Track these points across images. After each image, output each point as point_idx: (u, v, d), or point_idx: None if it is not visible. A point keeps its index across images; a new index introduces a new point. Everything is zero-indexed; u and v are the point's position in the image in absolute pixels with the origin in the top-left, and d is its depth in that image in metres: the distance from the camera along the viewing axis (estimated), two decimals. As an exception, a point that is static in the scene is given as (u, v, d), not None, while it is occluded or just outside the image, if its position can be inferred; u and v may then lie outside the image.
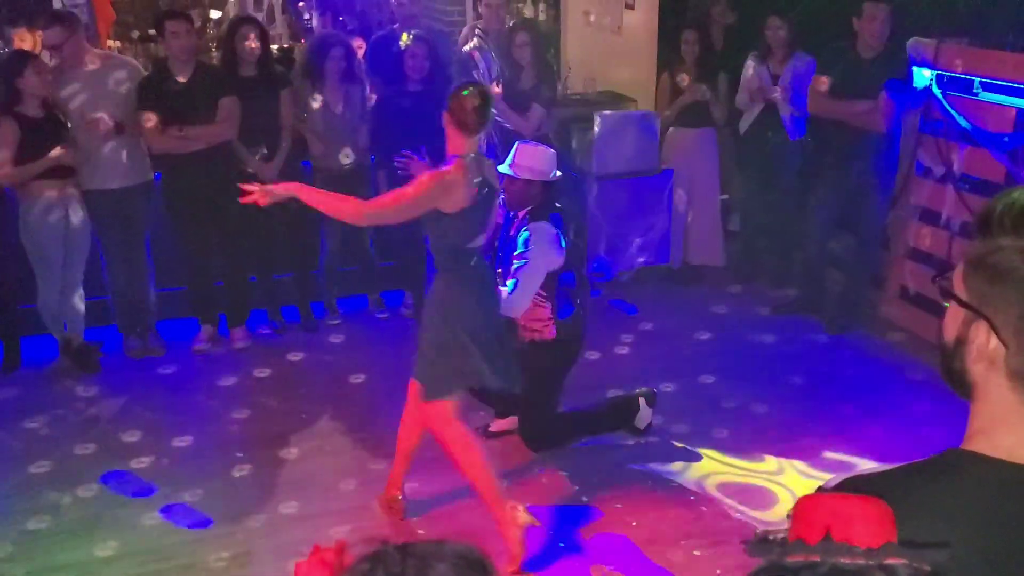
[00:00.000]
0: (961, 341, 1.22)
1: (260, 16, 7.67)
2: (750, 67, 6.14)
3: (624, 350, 5.57)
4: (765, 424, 4.77)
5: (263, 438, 4.69)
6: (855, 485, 1.23)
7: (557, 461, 4.46)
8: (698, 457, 4.48)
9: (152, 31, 6.79)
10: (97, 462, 4.48)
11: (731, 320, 5.96)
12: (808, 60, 5.89)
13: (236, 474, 4.38)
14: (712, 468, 4.40)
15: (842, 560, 0.91)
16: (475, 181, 3.59)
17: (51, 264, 5.10)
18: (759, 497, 4.17)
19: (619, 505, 4.10)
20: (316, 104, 5.55)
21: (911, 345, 5.45)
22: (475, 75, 5.95)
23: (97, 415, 4.92)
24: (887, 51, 5.41)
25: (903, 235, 5.71)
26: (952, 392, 1.29)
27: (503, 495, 3.72)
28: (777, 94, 5.94)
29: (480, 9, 6.57)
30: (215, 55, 6.66)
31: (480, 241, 3.75)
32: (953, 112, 5.25)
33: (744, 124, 6.28)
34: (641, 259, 6.47)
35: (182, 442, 4.65)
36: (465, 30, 6.59)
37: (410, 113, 5.40)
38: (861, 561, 0.90)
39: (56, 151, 4.90)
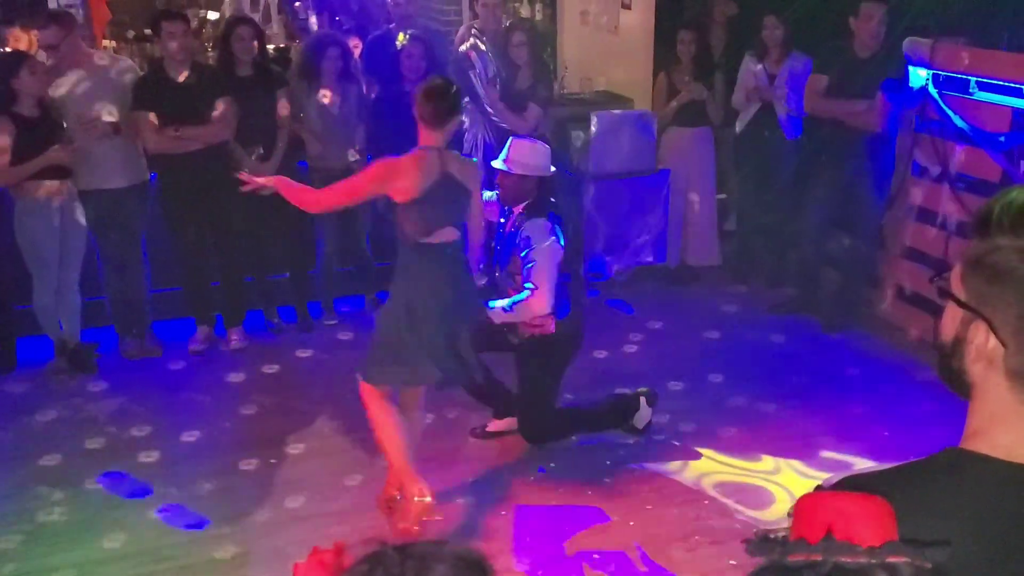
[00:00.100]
0: (959, 341, 1.22)
1: (256, 16, 7.67)
2: (747, 67, 6.15)
3: (627, 349, 5.57)
4: (763, 423, 4.77)
5: (260, 438, 4.69)
6: (853, 484, 1.23)
7: (555, 461, 4.45)
8: (695, 456, 4.48)
9: (148, 31, 6.78)
10: (93, 462, 4.47)
11: (727, 320, 5.97)
12: (805, 60, 5.90)
13: (233, 474, 4.38)
14: (710, 468, 4.41)
15: (844, 559, 0.91)
16: (433, 174, 3.65)
17: (47, 264, 5.09)
18: (756, 496, 4.17)
19: (617, 504, 4.10)
20: (325, 100, 5.55)
21: (907, 345, 5.46)
22: (472, 75, 5.96)
23: (93, 416, 4.91)
24: (883, 51, 5.41)
25: (899, 234, 5.72)
26: (950, 391, 1.29)
27: (413, 473, 3.84)
28: (777, 94, 5.96)
29: (476, 9, 6.56)
30: (211, 55, 6.65)
31: (445, 237, 3.77)
32: (949, 112, 5.26)
33: (741, 124, 6.29)
34: (638, 259, 6.47)
35: (179, 442, 4.65)
36: (462, 30, 6.59)
37: (406, 113, 5.38)
38: (863, 560, 0.90)
39: (52, 151, 4.89)
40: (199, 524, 4.02)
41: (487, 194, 4.62)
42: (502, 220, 4.37)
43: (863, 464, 4.22)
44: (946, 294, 1.24)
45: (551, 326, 4.22)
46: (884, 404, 4.90)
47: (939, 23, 5.44)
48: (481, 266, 6.11)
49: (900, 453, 4.09)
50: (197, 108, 5.19)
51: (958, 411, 1.29)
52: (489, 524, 3.99)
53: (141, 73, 5.42)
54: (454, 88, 3.83)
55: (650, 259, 6.49)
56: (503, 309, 4.10)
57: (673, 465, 4.42)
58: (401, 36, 5.79)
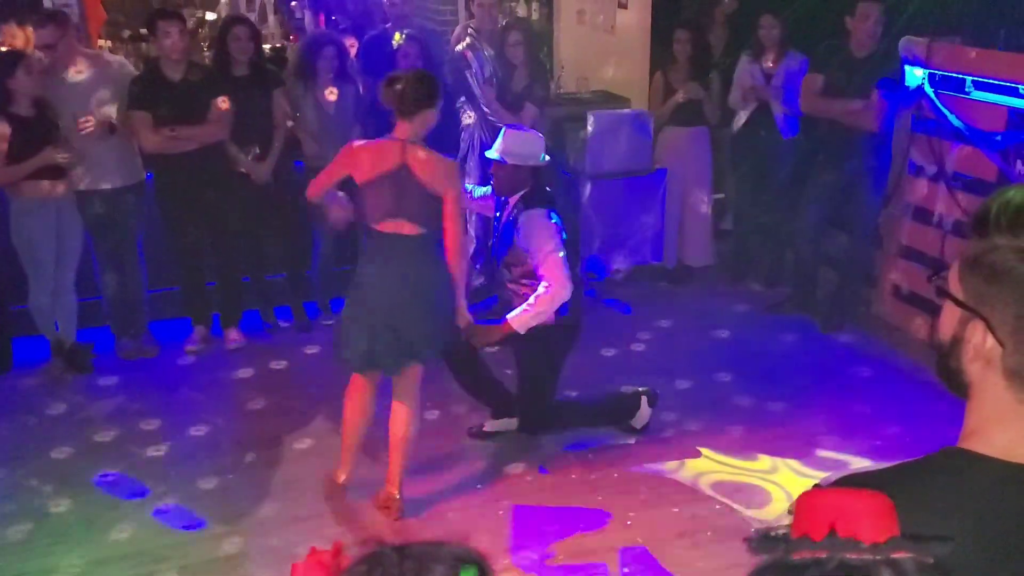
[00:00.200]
0: (957, 340, 1.22)
1: (252, 16, 7.65)
2: (743, 66, 6.16)
3: (612, 352, 5.58)
4: (761, 423, 4.77)
5: (258, 438, 4.69)
6: (851, 484, 1.23)
7: (554, 461, 4.46)
8: (693, 456, 4.49)
9: (143, 30, 6.77)
10: (88, 463, 4.46)
11: (724, 319, 5.97)
12: (801, 59, 5.90)
13: (231, 475, 4.37)
14: (707, 467, 4.41)
15: (848, 556, 0.91)
16: (388, 163, 3.72)
17: (43, 265, 5.08)
18: (754, 496, 4.17)
19: (614, 504, 4.10)
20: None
21: (904, 344, 5.47)
22: (468, 75, 5.95)
23: (90, 416, 4.90)
24: (880, 50, 5.42)
25: (896, 234, 5.73)
26: (947, 391, 1.29)
27: (350, 456, 4.15)
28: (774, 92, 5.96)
29: (473, 8, 6.56)
30: (207, 55, 6.64)
31: (398, 229, 3.78)
32: (945, 111, 5.26)
33: (737, 123, 6.29)
34: (635, 258, 6.47)
35: (177, 442, 4.64)
36: (458, 29, 6.58)
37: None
38: (867, 556, 0.90)
39: (48, 151, 4.88)
40: (197, 524, 4.02)
41: (480, 190, 4.62)
42: (498, 214, 4.35)
43: (860, 463, 4.23)
44: (944, 293, 1.24)
45: (550, 317, 4.18)
46: (881, 403, 4.91)
47: (935, 22, 5.45)
48: (478, 266, 6.14)
49: (897, 452, 4.10)
50: (193, 108, 5.19)
51: (955, 411, 1.29)
52: (487, 524, 3.99)
53: (137, 73, 5.41)
54: (424, 79, 3.83)
55: (647, 259, 6.49)
56: (526, 315, 4.04)
57: (671, 464, 4.42)
58: (397, 36, 5.78)
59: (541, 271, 4.08)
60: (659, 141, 6.39)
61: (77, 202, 5.16)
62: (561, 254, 4.08)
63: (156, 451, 4.57)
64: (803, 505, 0.97)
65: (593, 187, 6.25)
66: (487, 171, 4.53)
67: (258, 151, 5.44)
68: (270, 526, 4.00)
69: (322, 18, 8.22)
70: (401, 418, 3.98)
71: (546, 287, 4.05)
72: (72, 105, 5.05)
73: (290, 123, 5.56)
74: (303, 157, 5.69)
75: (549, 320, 4.19)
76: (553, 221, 4.12)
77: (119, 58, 5.74)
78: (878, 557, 0.90)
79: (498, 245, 4.32)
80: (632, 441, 4.59)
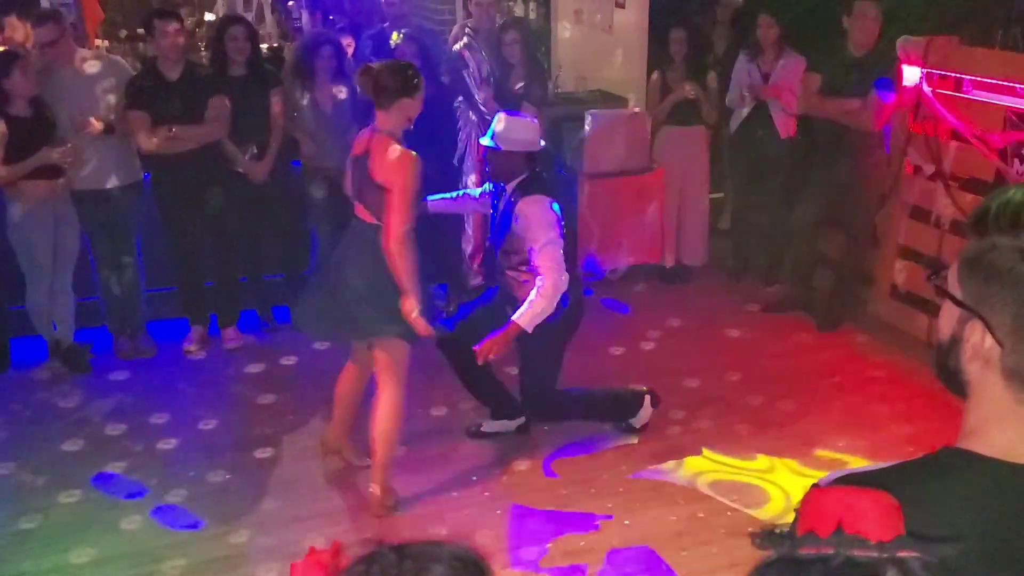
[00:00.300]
0: (956, 340, 1.22)
1: (249, 15, 7.65)
2: (741, 65, 6.16)
3: (619, 351, 5.58)
4: (757, 422, 4.78)
5: (256, 438, 4.68)
6: (849, 483, 1.23)
7: (553, 461, 4.46)
8: (690, 455, 4.49)
9: (140, 30, 6.76)
10: (87, 463, 4.45)
11: (721, 318, 5.97)
12: (798, 58, 5.90)
13: (228, 475, 4.37)
14: (704, 466, 4.41)
15: (855, 553, 0.91)
16: (357, 149, 3.82)
17: (40, 265, 5.07)
18: (752, 495, 4.17)
19: (613, 503, 4.10)
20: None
21: (901, 343, 5.47)
22: (465, 74, 5.95)
23: (87, 416, 4.90)
24: (877, 49, 5.42)
25: (893, 233, 5.73)
26: (946, 390, 1.29)
27: (341, 428, 4.33)
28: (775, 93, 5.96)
29: (470, 8, 6.56)
30: (204, 55, 6.64)
31: (361, 215, 3.83)
32: (943, 110, 5.27)
33: (735, 123, 6.30)
34: (632, 258, 6.47)
35: (174, 443, 4.64)
36: (455, 29, 6.58)
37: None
38: (874, 554, 0.90)
39: (44, 151, 4.87)
40: (196, 524, 4.01)
41: (478, 191, 4.61)
42: (495, 202, 4.29)
43: (857, 463, 4.22)
44: (943, 293, 1.24)
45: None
46: (879, 403, 4.91)
47: (933, 22, 5.45)
48: (476, 266, 6.13)
49: (895, 452, 4.10)
50: (191, 108, 5.18)
51: (954, 410, 1.29)
52: (487, 523, 3.99)
53: (134, 72, 5.41)
54: (398, 69, 3.81)
55: (644, 258, 6.49)
56: (531, 312, 3.98)
57: (669, 464, 4.42)
58: (395, 35, 5.78)
59: (536, 261, 4.00)
60: (657, 141, 6.39)
61: (75, 202, 5.15)
62: (559, 245, 4.00)
63: (155, 451, 4.56)
64: (810, 502, 0.97)
65: (590, 187, 6.25)
66: (485, 171, 4.51)
67: (255, 151, 5.43)
68: (270, 526, 3.99)
69: (319, 17, 8.22)
70: (378, 412, 3.96)
71: (543, 281, 3.98)
72: (69, 105, 5.04)
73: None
74: (301, 157, 5.69)
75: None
76: (555, 210, 4.05)
77: (117, 58, 5.73)
78: (884, 555, 0.90)
79: (496, 233, 4.26)
80: (634, 441, 4.59)
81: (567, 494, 4.21)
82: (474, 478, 4.34)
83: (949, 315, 1.23)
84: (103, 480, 4.33)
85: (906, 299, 5.60)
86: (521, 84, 6.00)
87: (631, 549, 3.81)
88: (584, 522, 3.99)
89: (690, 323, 5.90)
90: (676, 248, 6.58)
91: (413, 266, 3.72)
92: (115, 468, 4.41)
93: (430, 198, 4.47)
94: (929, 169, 5.44)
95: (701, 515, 4.03)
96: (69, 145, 4.95)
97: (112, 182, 5.24)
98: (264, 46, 6.68)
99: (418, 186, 3.74)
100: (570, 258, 4.19)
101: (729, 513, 4.04)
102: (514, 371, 4.54)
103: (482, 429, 4.66)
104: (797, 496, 3.76)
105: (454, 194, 4.64)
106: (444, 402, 4.88)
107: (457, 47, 6.09)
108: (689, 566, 3.70)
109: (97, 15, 7.46)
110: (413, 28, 6.10)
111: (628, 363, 5.39)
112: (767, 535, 0.96)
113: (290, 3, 8.57)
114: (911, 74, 5.40)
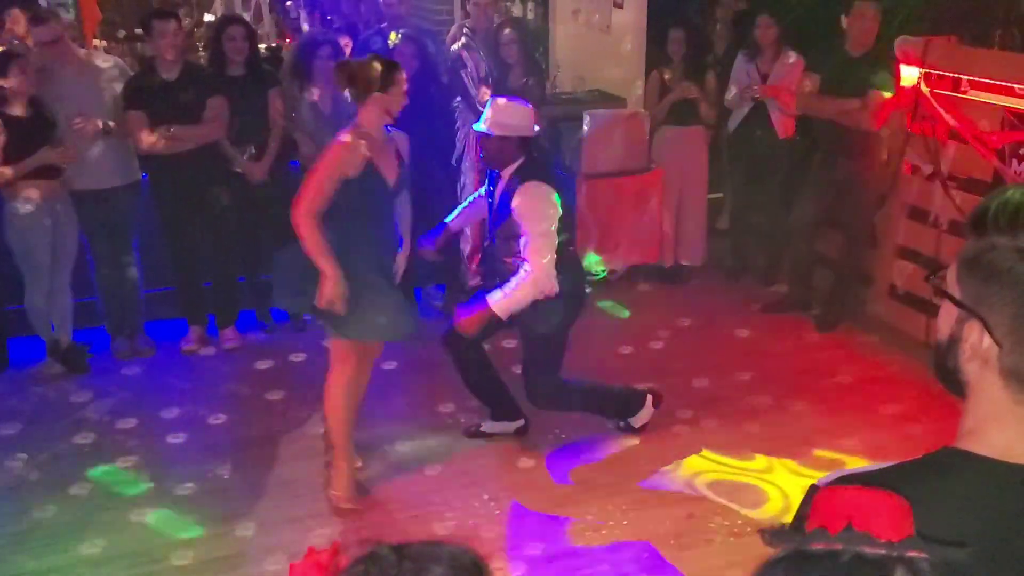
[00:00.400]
0: (954, 340, 1.22)
1: (247, 15, 7.66)
2: (739, 65, 6.16)
3: (627, 350, 5.58)
4: (755, 422, 4.78)
5: (254, 438, 4.68)
6: (849, 483, 1.23)
7: (553, 460, 4.46)
8: (689, 455, 4.49)
9: (138, 30, 6.76)
10: (86, 462, 4.45)
11: (720, 317, 5.97)
12: (797, 58, 5.91)
13: (227, 475, 4.37)
14: (703, 467, 4.41)
15: (864, 549, 0.91)
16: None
17: (38, 265, 5.07)
18: (750, 495, 4.17)
19: (611, 504, 4.10)
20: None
21: (900, 343, 5.47)
22: (463, 74, 5.95)
23: (85, 416, 4.89)
24: (876, 49, 5.42)
25: (892, 233, 5.73)
26: (945, 390, 1.29)
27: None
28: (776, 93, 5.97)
29: (468, 8, 6.56)
30: (203, 55, 6.64)
31: None
32: (941, 110, 5.27)
33: (733, 122, 6.30)
34: (631, 258, 6.47)
35: (173, 443, 4.64)
36: (453, 29, 6.58)
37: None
38: (884, 551, 0.91)
39: (43, 151, 4.87)
40: (193, 525, 4.01)
41: (475, 194, 4.60)
42: (491, 189, 4.24)
43: (855, 463, 4.22)
44: (942, 293, 1.24)
45: (552, 288, 4.06)
46: (877, 403, 4.91)
47: (931, 22, 5.45)
48: (474, 266, 6.13)
49: (894, 452, 4.11)
50: (189, 108, 5.18)
51: (953, 410, 1.29)
52: (485, 524, 3.99)
53: (132, 73, 5.40)
54: (371, 63, 3.77)
55: (643, 259, 6.49)
56: (506, 300, 3.94)
57: (668, 465, 4.42)
58: (393, 35, 5.78)
59: (526, 252, 3.94)
60: (655, 141, 6.39)
61: (73, 202, 5.15)
62: (550, 239, 3.95)
63: (151, 452, 4.56)
64: (820, 500, 0.98)
65: (589, 187, 6.25)
66: (484, 171, 4.50)
67: (254, 151, 5.43)
68: (269, 526, 3.99)
69: (317, 17, 8.22)
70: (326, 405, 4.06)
71: (527, 272, 3.93)
72: (68, 105, 5.04)
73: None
74: (299, 157, 5.69)
75: (551, 292, 4.04)
76: (555, 201, 3.98)
77: (115, 58, 5.73)
78: (894, 553, 0.91)
79: (493, 219, 4.21)
80: (635, 442, 4.59)
81: (567, 494, 4.21)
82: (474, 478, 4.34)
83: (948, 315, 1.23)
84: (101, 480, 4.32)
85: (905, 299, 5.60)
86: (520, 83, 5.99)
87: (631, 549, 3.81)
88: (584, 522, 3.99)
89: (694, 323, 5.91)
90: (675, 248, 6.59)
91: (325, 247, 3.69)
92: (114, 468, 4.41)
93: (447, 219, 4.47)
94: (928, 169, 5.44)
95: (700, 515, 4.03)
96: (68, 145, 4.95)
97: (110, 182, 5.24)
98: (262, 46, 6.68)
99: (344, 175, 3.70)
100: (567, 246, 4.16)
101: (728, 513, 4.04)
102: (518, 371, 4.54)
103: (481, 429, 4.66)
104: (795, 496, 3.76)
105: (465, 203, 4.62)
106: (445, 402, 4.87)
107: (455, 47, 6.09)
108: (689, 566, 3.69)
109: (95, 15, 7.46)
110: (411, 28, 6.10)
111: (633, 363, 5.39)
112: (776, 532, 0.96)
113: (288, 3, 8.58)
114: (909, 74, 5.40)
